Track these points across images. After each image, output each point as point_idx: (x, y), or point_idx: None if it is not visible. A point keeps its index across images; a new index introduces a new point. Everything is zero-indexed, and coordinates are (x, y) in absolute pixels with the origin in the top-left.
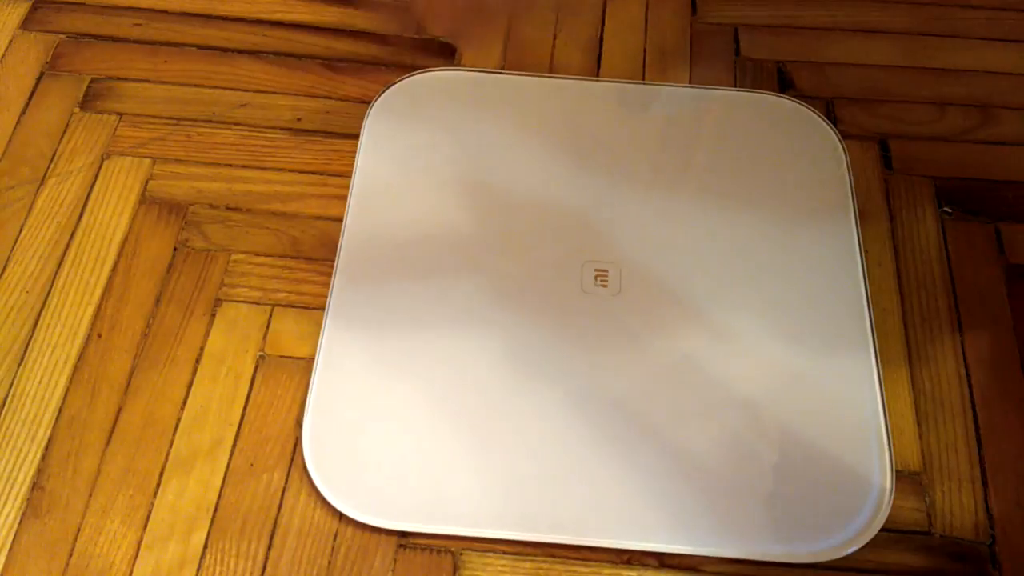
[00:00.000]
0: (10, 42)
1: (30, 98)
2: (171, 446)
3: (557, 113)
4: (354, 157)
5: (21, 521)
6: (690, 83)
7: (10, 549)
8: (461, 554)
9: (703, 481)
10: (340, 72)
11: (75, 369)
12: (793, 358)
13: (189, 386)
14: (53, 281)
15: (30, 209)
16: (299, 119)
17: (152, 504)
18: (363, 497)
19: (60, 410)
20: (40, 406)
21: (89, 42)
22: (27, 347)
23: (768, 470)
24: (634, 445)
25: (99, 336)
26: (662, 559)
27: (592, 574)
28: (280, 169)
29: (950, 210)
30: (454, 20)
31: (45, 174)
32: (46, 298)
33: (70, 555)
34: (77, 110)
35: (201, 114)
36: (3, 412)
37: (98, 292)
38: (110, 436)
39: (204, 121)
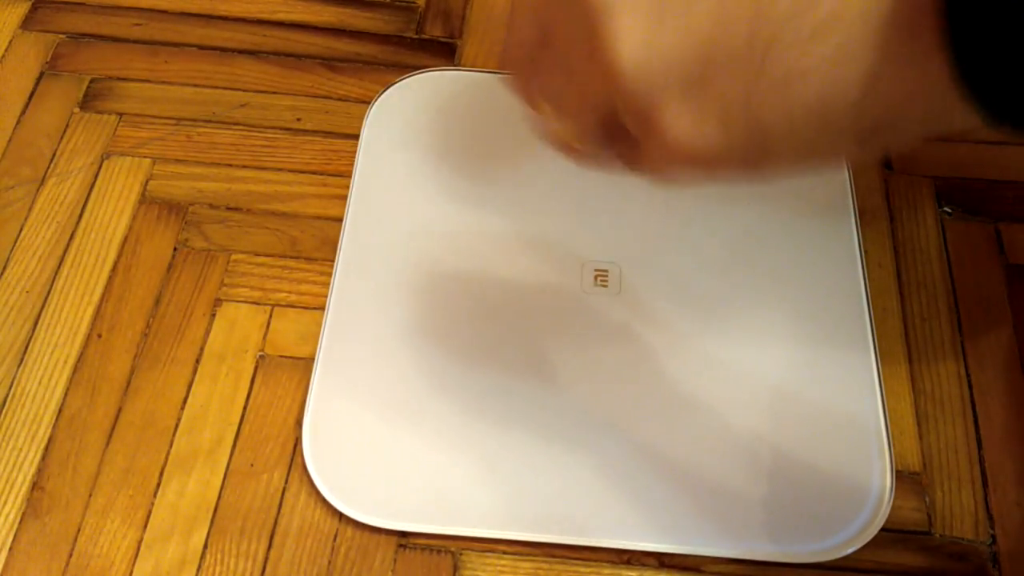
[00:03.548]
0: (10, 42)
1: (30, 98)
2: (171, 446)
3: None
4: (354, 157)
5: (21, 521)
6: None
7: (10, 549)
8: (461, 554)
9: (703, 481)
10: (340, 72)
11: (75, 369)
12: (793, 358)
13: (189, 386)
14: (53, 281)
15: (30, 209)
16: (299, 119)
17: (152, 504)
18: (363, 497)
19: (60, 410)
20: (40, 406)
21: (89, 42)
22: (27, 347)
23: (768, 470)
24: (634, 445)
25: (99, 336)
26: (662, 559)
27: (592, 574)
28: (280, 169)
29: (950, 210)
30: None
31: (45, 174)
32: (46, 298)
33: (70, 555)
34: (77, 110)
35: (201, 114)
36: (3, 412)
37: (98, 292)
38: (110, 436)
39: (204, 121)
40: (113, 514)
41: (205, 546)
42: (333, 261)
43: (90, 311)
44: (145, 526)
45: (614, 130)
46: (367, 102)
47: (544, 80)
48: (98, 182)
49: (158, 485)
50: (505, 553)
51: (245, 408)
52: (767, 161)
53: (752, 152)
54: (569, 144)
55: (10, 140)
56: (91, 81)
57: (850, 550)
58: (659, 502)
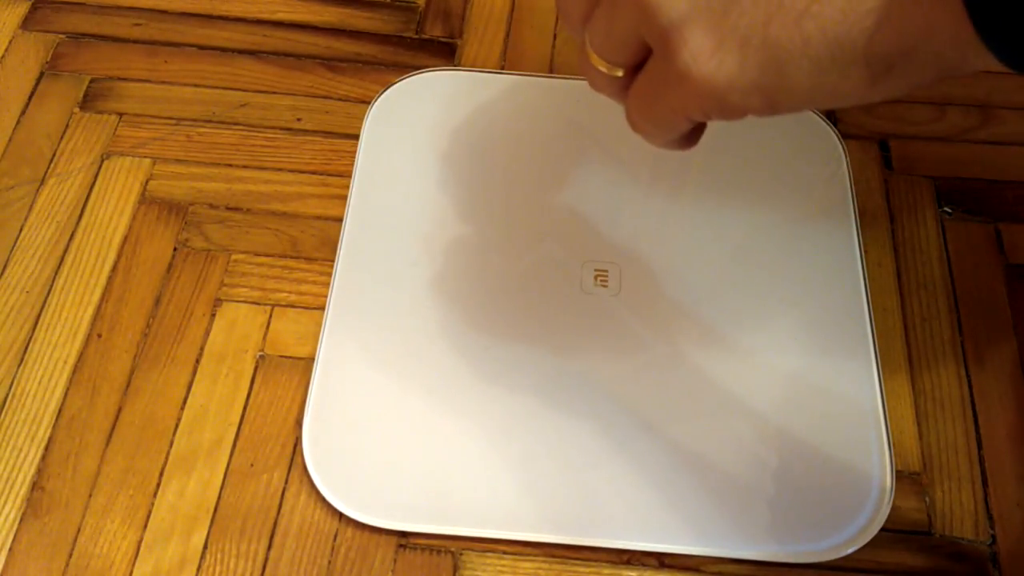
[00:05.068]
0: (10, 42)
1: (30, 98)
2: (171, 446)
3: (557, 113)
4: (354, 157)
5: (21, 521)
6: None
7: (10, 549)
8: (461, 554)
9: (703, 481)
10: (340, 72)
11: (75, 369)
12: (793, 358)
13: (189, 386)
14: (53, 281)
15: (30, 209)
16: (299, 119)
17: (152, 504)
18: (363, 497)
19: (60, 410)
20: (40, 406)
21: (89, 42)
22: (27, 347)
23: (768, 470)
24: (634, 445)
25: (99, 336)
26: (662, 559)
27: (592, 574)
28: (280, 169)
29: (950, 210)
30: None
31: (45, 174)
32: (46, 298)
33: (70, 555)
34: (77, 110)
35: (201, 114)
36: (3, 412)
37: (98, 292)
38: (110, 436)
39: (204, 121)
40: (113, 514)
41: (205, 546)
42: (333, 261)
43: (90, 311)
44: (145, 526)
45: (639, 58)
46: (367, 102)
47: (592, 19)
48: (98, 182)
49: (158, 485)
50: (505, 553)
51: (245, 408)
52: (780, 91)
53: (766, 81)
54: (599, 72)
55: (10, 140)
56: (91, 81)
57: (850, 550)
58: (659, 502)
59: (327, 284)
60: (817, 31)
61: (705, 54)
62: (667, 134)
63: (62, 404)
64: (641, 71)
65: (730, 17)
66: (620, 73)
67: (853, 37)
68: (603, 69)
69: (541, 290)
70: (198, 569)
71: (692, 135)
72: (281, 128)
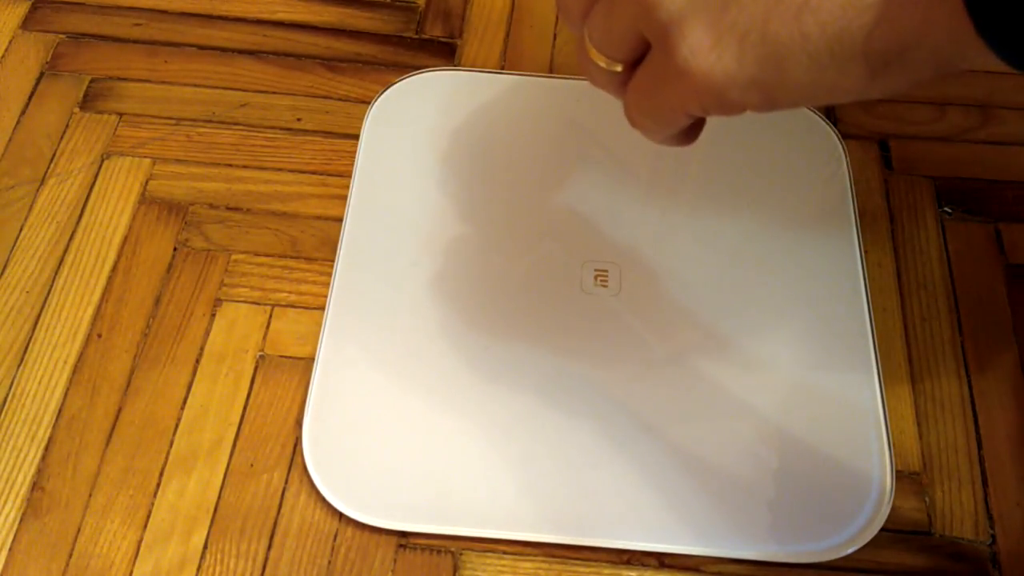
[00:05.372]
0: (10, 42)
1: (30, 98)
2: (171, 446)
3: (557, 113)
4: (354, 157)
5: (21, 521)
6: None
7: (10, 549)
8: (461, 554)
9: (703, 481)
10: (340, 72)
11: (75, 369)
12: (792, 358)
13: (189, 386)
14: (53, 281)
15: (30, 209)
16: (299, 119)
17: (152, 504)
18: (363, 497)
19: (60, 410)
20: (40, 406)
21: (89, 42)
22: (27, 347)
23: (768, 470)
24: (634, 445)
25: (99, 336)
26: (662, 559)
27: (592, 574)
28: (280, 169)
29: (950, 210)
30: None
31: (45, 174)
32: (46, 298)
33: (70, 555)
34: (77, 110)
35: (201, 114)
36: (3, 412)
37: (98, 292)
38: (110, 436)
39: (204, 121)
40: (113, 514)
41: (205, 546)
42: (333, 261)
43: (90, 311)
44: (145, 526)
45: (638, 54)
46: (367, 102)
47: (591, 14)
48: (98, 182)
49: (158, 485)
50: (505, 553)
51: (245, 408)
52: (778, 87)
53: (765, 77)
54: (599, 68)
55: (10, 140)
56: (91, 81)
57: (850, 550)
58: (659, 502)
59: (327, 284)
60: (816, 27)
61: (704, 49)
62: (666, 129)
63: (62, 404)
64: (640, 66)
65: (729, 12)
66: (619, 68)
67: (852, 33)
68: (602, 64)
69: (541, 290)
70: (198, 569)
71: (691, 131)
72: (281, 128)
